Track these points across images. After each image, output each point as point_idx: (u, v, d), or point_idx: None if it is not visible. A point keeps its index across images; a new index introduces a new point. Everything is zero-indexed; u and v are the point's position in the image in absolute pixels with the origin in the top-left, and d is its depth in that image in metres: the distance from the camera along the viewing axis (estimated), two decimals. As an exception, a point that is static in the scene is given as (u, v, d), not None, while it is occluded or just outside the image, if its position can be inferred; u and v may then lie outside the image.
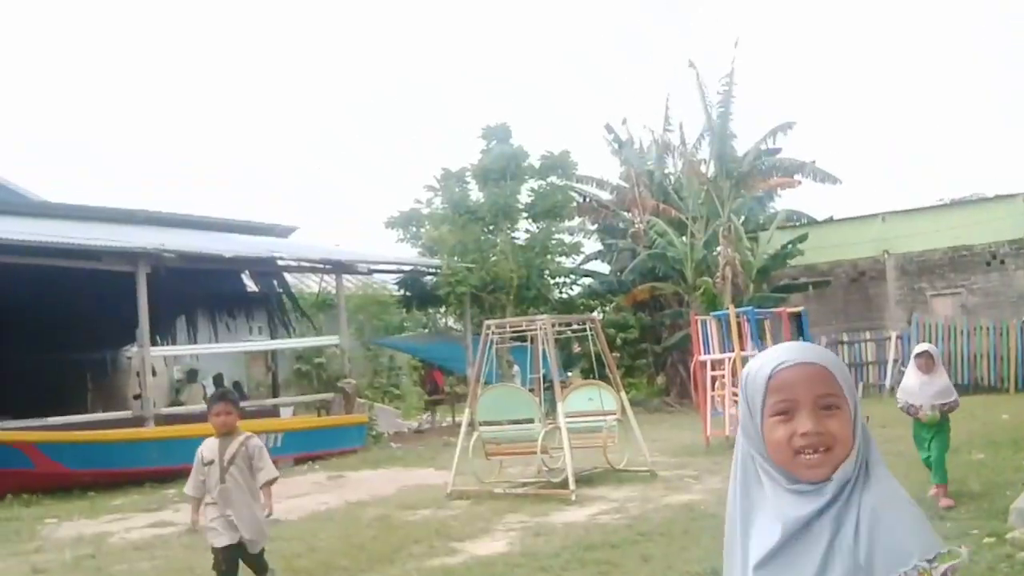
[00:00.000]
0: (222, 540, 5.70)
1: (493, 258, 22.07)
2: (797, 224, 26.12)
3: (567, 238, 24.64)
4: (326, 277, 19.98)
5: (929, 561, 1.44)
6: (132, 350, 16.38)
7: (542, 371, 11.63)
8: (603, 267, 26.52)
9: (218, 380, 17.85)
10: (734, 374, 12.87)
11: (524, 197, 23.38)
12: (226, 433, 5.75)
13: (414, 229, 23.32)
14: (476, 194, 23.35)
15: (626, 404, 11.48)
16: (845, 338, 22.61)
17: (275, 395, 20.00)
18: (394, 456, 15.31)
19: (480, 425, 10.82)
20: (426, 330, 26.07)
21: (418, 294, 22.70)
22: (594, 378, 12.67)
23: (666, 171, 25.62)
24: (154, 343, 15.78)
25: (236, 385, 17.85)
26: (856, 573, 1.46)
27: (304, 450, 14.87)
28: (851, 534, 1.48)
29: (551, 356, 10.84)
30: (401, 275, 22.43)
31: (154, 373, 16.24)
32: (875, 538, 1.47)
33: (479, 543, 7.87)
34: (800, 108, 74.06)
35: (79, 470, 12.51)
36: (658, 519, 8.27)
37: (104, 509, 11.14)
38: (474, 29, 72.02)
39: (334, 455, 15.06)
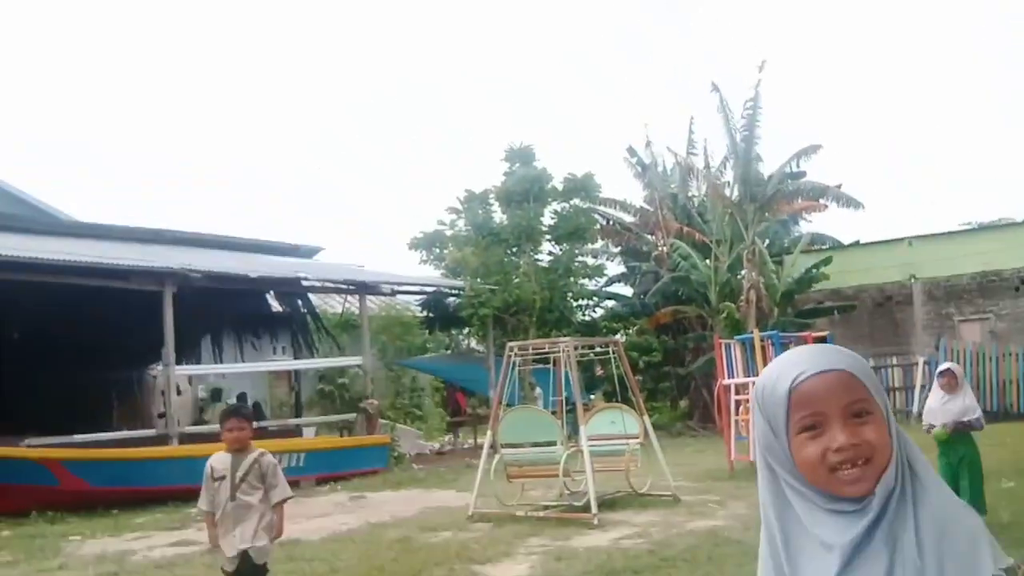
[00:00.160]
0: (232, 564, 5.60)
1: (516, 280, 22.13)
2: (822, 248, 25.96)
3: (590, 260, 24.71)
4: (349, 297, 20.08)
5: (1004, 570, 1.37)
6: (157, 369, 16.51)
7: (564, 393, 11.60)
8: (626, 290, 26.47)
9: (241, 399, 17.94)
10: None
11: (547, 219, 23.47)
12: (239, 449, 5.60)
13: (437, 250, 23.43)
14: (499, 216, 23.47)
15: (649, 428, 11.41)
16: (872, 363, 22.26)
17: (298, 415, 20.10)
18: (416, 477, 15.30)
19: (502, 447, 10.79)
20: (449, 351, 26.14)
21: (441, 315, 22.76)
22: (617, 401, 12.61)
23: (690, 194, 25.61)
24: (179, 362, 15.89)
25: (255, 405, 17.90)
26: None
27: (326, 470, 14.88)
28: (913, 550, 1.37)
29: (573, 379, 10.83)
30: (424, 296, 22.51)
31: (179, 392, 16.38)
32: (943, 552, 1.37)
33: (500, 566, 7.83)
34: (825, 130, 73.83)
35: (103, 487, 12.57)
36: (681, 545, 8.19)
37: (127, 527, 11.19)
38: (474, 29, 72.24)
39: (356, 476, 15.05)
